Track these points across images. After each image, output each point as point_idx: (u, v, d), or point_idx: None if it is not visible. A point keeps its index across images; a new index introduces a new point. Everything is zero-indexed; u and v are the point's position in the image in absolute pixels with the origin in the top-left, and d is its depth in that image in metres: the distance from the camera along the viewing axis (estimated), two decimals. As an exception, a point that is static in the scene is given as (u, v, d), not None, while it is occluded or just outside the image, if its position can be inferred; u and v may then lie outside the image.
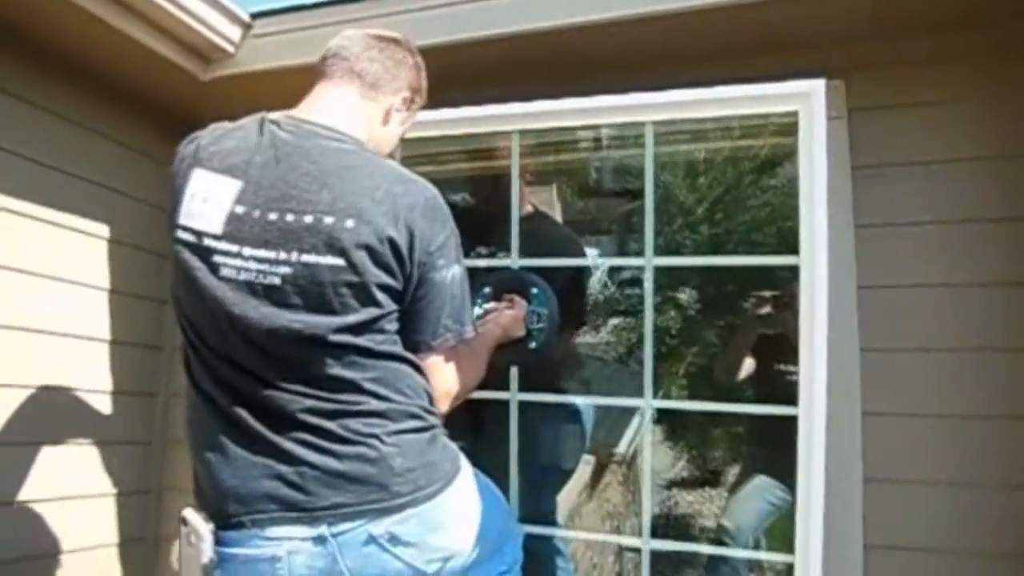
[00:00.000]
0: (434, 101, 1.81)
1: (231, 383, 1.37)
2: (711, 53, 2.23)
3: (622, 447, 5.61)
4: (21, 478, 2.29)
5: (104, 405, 2.59)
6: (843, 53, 2.18)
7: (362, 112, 1.54)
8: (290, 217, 1.34)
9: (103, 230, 2.60)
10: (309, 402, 1.34)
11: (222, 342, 1.38)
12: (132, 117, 2.71)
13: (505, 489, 2.20)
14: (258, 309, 1.34)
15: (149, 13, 2.25)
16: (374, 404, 1.37)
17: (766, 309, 3.22)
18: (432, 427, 1.45)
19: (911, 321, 2.10)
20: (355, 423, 1.35)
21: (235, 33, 2.44)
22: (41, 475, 2.34)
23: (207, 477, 1.38)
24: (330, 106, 1.51)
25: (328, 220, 1.33)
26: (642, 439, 2.20)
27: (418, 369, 1.46)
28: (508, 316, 2.07)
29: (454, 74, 2.17)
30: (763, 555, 2.22)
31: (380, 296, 1.37)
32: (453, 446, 1.51)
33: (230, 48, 2.44)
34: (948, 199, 2.11)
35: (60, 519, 2.39)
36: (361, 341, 1.37)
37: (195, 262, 1.37)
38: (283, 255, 1.33)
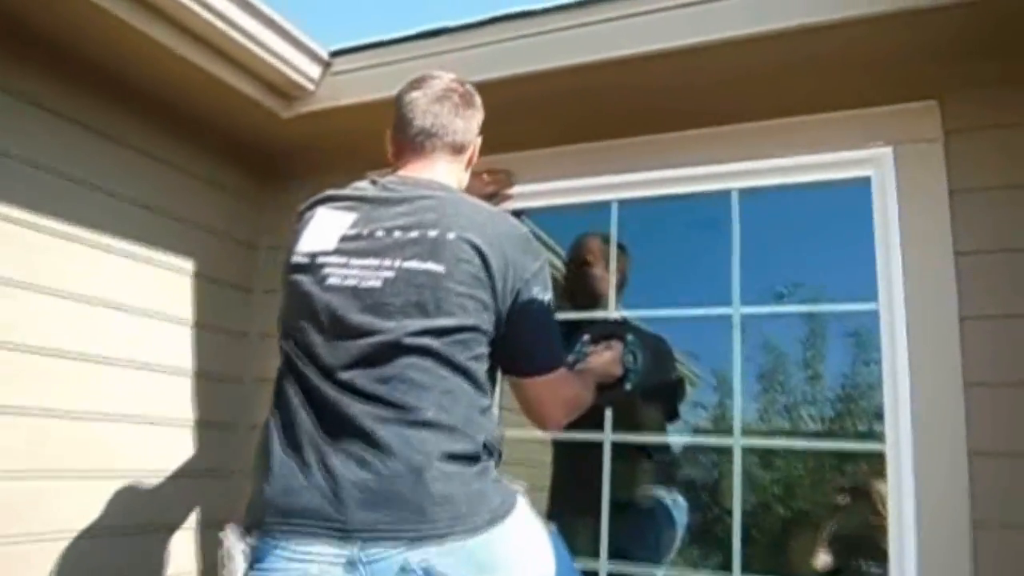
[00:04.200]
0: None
1: (309, 385, 1.46)
2: (805, 72, 2.22)
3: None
4: (104, 509, 2.39)
5: (187, 437, 2.71)
6: (938, 72, 2.14)
7: (453, 173, 1.75)
8: (397, 233, 1.51)
9: (187, 265, 2.73)
10: (371, 407, 1.39)
11: (318, 346, 1.48)
12: (215, 154, 2.84)
13: (596, 532, 2.34)
14: (359, 310, 1.46)
15: (233, 53, 2.37)
16: (432, 415, 1.39)
17: (844, 499, 3.32)
18: (485, 463, 1.45)
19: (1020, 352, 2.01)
20: (410, 433, 1.37)
21: (315, 71, 2.55)
22: (125, 506, 2.44)
23: (256, 483, 1.46)
24: (428, 171, 1.70)
25: (432, 233, 1.49)
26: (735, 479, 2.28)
27: (488, 407, 1.52)
28: (607, 355, 2.25)
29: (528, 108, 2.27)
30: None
31: (472, 307, 1.46)
32: (510, 486, 1.50)
33: (310, 86, 2.55)
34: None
35: (146, 550, 2.51)
36: (443, 347, 1.43)
37: (305, 278, 1.53)
38: (387, 262, 1.48)
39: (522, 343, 1.55)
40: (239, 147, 2.86)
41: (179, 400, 2.68)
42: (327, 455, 1.37)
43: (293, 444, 1.41)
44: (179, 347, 2.70)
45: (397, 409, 1.39)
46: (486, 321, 1.49)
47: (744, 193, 2.41)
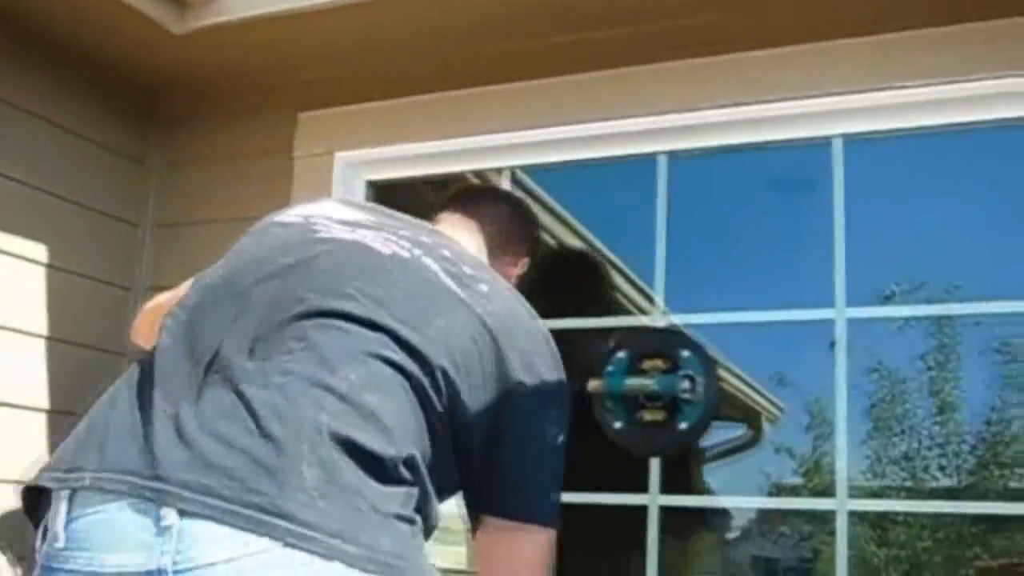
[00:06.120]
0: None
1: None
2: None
3: None
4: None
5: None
6: None
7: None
8: (425, 238, 1.67)
9: (38, 252, 2.65)
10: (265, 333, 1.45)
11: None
12: (77, 91, 2.78)
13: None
14: (351, 267, 1.56)
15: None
16: (345, 379, 1.39)
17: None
18: (413, 523, 1.41)
19: None
20: (294, 385, 1.36)
21: (222, -41, 2.49)
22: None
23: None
24: (459, 236, 1.86)
25: (466, 269, 1.63)
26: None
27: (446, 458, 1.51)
28: None
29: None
30: None
31: (466, 346, 1.51)
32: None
33: (216, -19, 2.49)
34: None
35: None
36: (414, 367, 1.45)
37: (280, 230, 1.67)
38: (405, 244, 1.61)
39: (518, 471, 1.59)
40: (112, 80, 2.82)
41: (28, 453, 2.50)
42: (170, 404, 1.41)
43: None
44: (25, 373, 2.62)
45: (288, 351, 1.43)
46: (460, 387, 1.50)
47: (851, 141, 2.36)
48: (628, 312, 2.69)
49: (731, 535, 3.72)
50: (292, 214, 1.72)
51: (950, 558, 4.63)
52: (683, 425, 2.31)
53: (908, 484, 4.82)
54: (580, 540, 2.66)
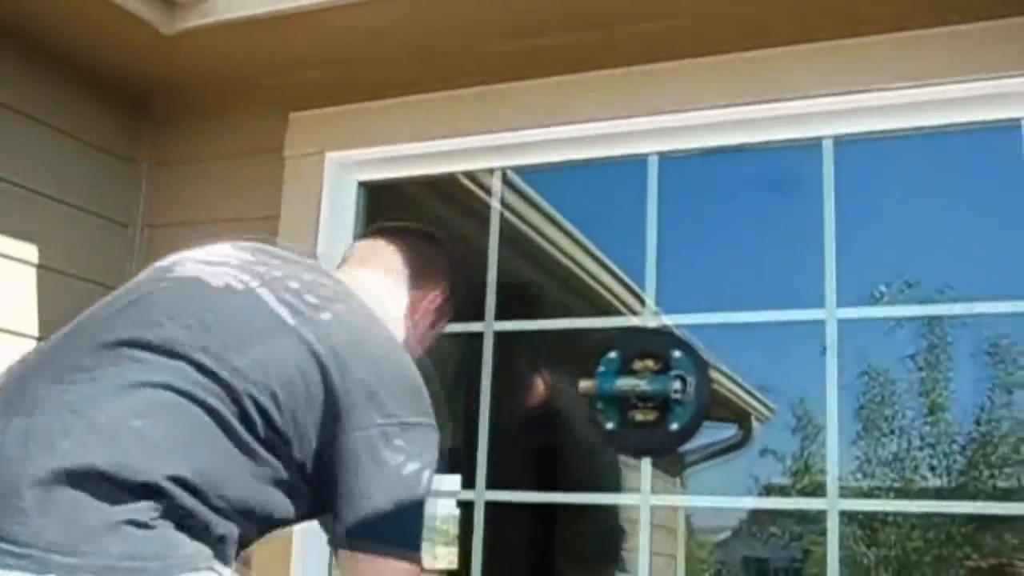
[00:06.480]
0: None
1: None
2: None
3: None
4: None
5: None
6: None
7: (385, 292, 1.91)
8: (277, 273, 1.66)
9: (28, 252, 2.63)
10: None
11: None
12: (69, 92, 2.76)
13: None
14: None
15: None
16: (105, 407, 1.42)
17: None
18: (152, 528, 1.39)
19: None
20: (53, 413, 1.41)
21: (214, -41, 2.46)
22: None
23: None
24: (350, 274, 1.86)
25: (310, 298, 1.62)
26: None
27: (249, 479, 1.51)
28: None
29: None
30: None
31: (289, 375, 1.52)
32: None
33: (208, -19, 2.46)
34: None
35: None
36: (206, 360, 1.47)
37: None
38: (244, 276, 1.61)
39: (360, 498, 1.56)
40: (103, 80, 2.79)
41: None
42: None
43: None
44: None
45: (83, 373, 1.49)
46: (293, 404, 1.52)
47: (841, 142, 2.35)
48: (619, 312, 2.67)
49: (722, 536, 3.72)
50: (172, 256, 1.73)
51: (940, 558, 4.62)
52: (674, 426, 2.31)
53: (898, 484, 4.81)
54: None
